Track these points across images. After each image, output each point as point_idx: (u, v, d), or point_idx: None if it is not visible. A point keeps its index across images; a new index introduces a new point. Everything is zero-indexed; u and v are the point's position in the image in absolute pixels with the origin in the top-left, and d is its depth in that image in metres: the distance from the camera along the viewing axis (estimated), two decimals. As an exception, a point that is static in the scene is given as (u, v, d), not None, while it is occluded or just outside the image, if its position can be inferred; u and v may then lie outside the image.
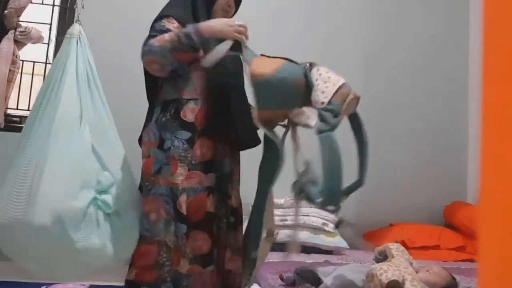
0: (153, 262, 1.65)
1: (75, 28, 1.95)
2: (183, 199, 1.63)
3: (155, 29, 1.67)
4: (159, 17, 1.71)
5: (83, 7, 2.03)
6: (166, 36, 1.61)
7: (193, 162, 1.65)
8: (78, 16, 2.01)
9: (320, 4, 3.39)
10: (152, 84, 1.77)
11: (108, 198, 1.73)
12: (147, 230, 1.67)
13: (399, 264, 1.66)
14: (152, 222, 1.66)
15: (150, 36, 1.65)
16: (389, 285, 1.55)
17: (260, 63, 1.57)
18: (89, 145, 1.78)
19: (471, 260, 2.78)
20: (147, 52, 1.63)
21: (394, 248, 1.79)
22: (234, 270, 1.74)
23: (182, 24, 1.69)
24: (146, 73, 1.75)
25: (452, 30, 3.59)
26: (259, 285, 2.12)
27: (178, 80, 1.69)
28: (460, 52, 3.57)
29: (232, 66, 1.75)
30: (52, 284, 2.39)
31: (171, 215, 1.65)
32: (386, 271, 1.59)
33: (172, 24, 1.68)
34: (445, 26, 3.58)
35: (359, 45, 3.43)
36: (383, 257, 1.83)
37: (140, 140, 1.83)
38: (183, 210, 1.62)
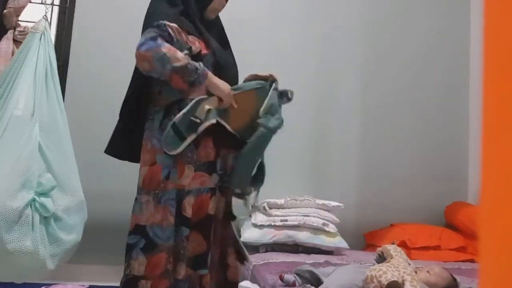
0: (164, 270, 1.61)
1: (41, 24, 1.92)
2: (188, 201, 1.61)
3: (160, 27, 1.62)
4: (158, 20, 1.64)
5: (52, 4, 2.05)
6: (179, 54, 1.58)
7: (198, 162, 1.64)
8: (45, 12, 2.01)
9: (320, 4, 3.38)
10: (149, 89, 1.72)
11: (48, 201, 1.66)
12: (161, 238, 1.61)
13: (398, 265, 1.65)
14: (164, 229, 1.61)
15: (159, 36, 1.59)
16: (389, 286, 1.55)
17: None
18: (36, 143, 1.72)
19: (472, 261, 2.77)
20: (149, 48, 1.55)
21: (392, 248, 1.79)
22: (231, 263, 1.74)
23: (176, 22, 1.66)
24: (141, 78, 1.70)
25: (452, 30, 3.58)
26: (259, 285, 2.11)
27: None
28: (460, 52, 3.56)
29: (225, 63, 1.77)
30: (52, 284, 2.38)
31: (174, 219, 1.62)
32: (386, 272, 1.58)
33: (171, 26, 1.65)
34: (445, 26, 3.57)
35: (359, 46, 3.42)
36: (382, 258, 1.82)
37: (124, 153, 1.80)
38: (188, 212, 1.61)
